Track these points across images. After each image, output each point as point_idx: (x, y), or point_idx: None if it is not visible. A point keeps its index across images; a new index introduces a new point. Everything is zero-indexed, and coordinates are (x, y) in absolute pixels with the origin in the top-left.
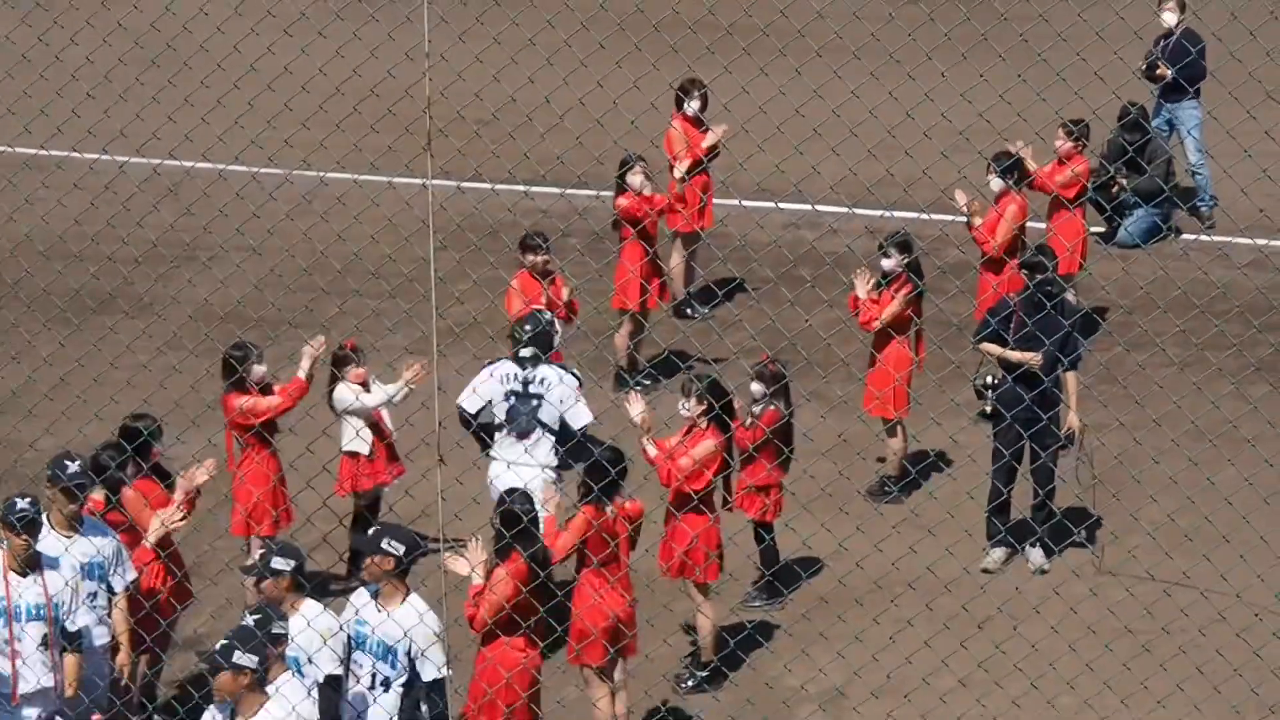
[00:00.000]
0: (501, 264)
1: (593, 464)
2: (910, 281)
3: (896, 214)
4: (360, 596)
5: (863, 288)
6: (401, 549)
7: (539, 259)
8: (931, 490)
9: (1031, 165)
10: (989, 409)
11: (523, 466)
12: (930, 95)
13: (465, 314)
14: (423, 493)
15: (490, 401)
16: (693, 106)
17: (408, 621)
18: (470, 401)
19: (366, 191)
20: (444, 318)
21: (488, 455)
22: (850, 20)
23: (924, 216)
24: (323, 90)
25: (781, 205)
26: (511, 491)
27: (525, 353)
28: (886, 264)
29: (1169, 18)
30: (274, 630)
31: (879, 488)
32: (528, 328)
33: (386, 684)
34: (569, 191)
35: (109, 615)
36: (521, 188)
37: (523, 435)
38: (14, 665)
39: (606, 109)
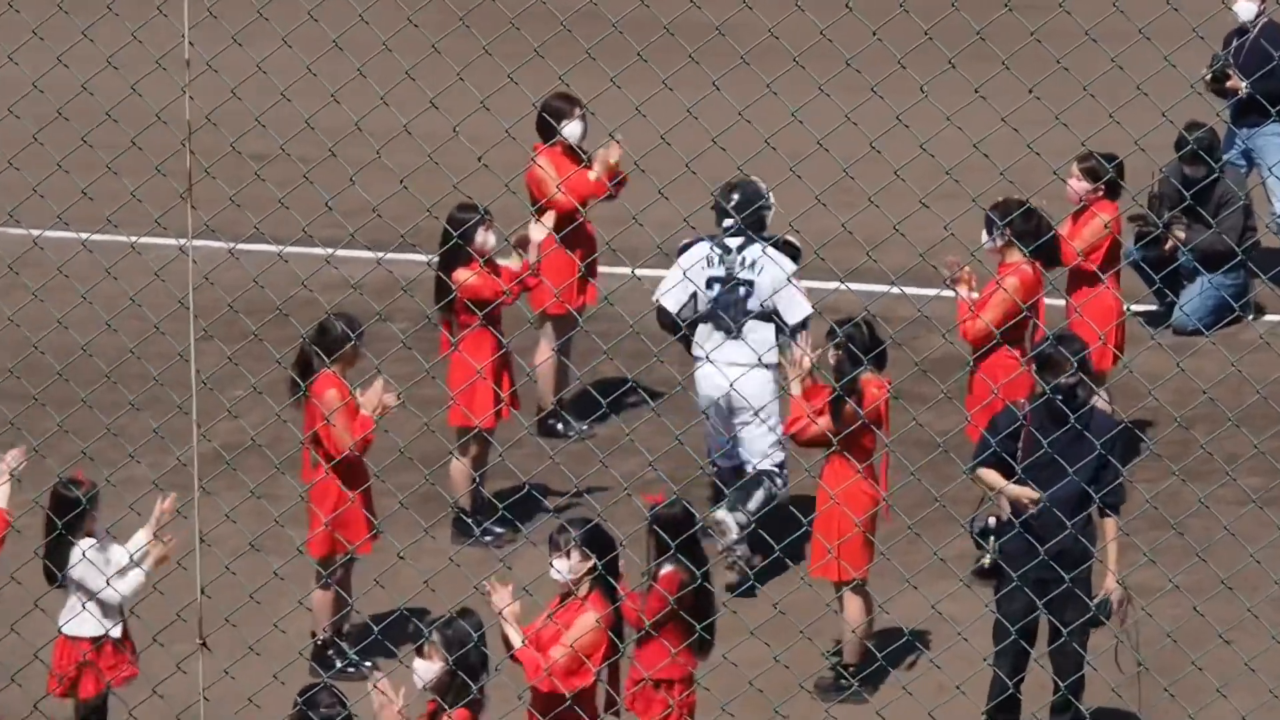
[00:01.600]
0: (293, 360)
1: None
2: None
3: (854, 286)
4: None
5: (797, 385)
6: None
7: (348, 351)
8: (906, 683)
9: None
10: (989, 563)
11: (735, 367)
12: (904, 118)
13: (238, 433)
14: (182, 690)
15: (694, 296)
16: (571, 132)
17: None
18: (671, 298)
19: (100, 256)
20: (208, 439)
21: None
22: (791, 10)
23: (894, 291)
24: (39, 112)
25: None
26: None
27: (730, 229)
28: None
29: (1244, 8)
30: None
31: (832, 681)
32: (734, 196)
33: None
34: (390, 256)
35: None
36: (321, 250)
37: (730, 331)
38: None
39: (444, 139)
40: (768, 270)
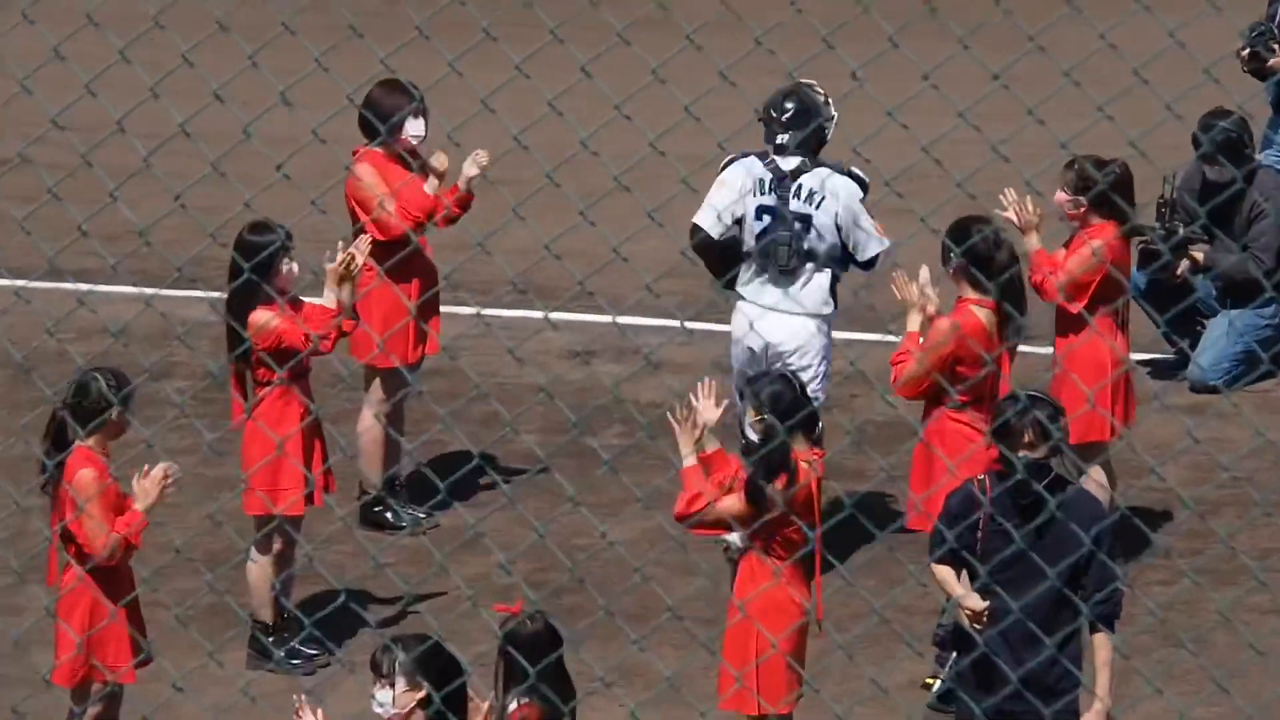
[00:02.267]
0: (37, 427)
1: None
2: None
3: None
4: None
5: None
6: None
7: (113, 415)
8: None
9: (1031, 241)
10: (939, 686)
11: (782, 314)
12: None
13: None
14: None
15: (739, 221)
16: (413, 131)
17: None
18: (710, 219)
19: None
20: None
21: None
22: None
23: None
24: None
25: (559, 315)
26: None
27: (785, 142)
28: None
29: None
30: None
31: None
32: (788, 106)
33: None
34: (162, 293)
35: None
36: (73, 286)
37: (783, 270)
38: None
39: (235, 141)
40: (829, 204)
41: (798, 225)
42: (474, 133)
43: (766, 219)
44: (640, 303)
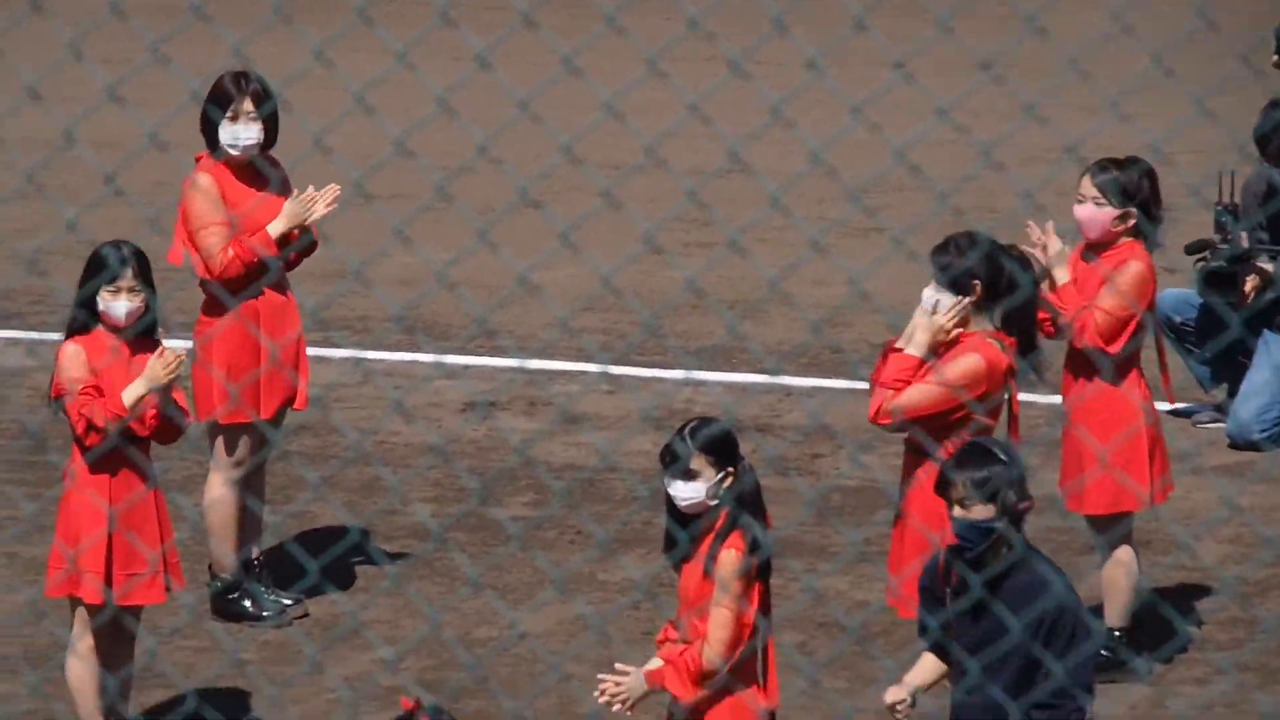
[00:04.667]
0: None
1: None
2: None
3: (711, 376)
4: None
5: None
6: None
7: None
8: None
9: (1059, 275)
10: None
11: None
12: (784, 108)
13: None
14: None
15: None
16: (230, 140)
17: None
18: None
19: None
20: None
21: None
22: None
23: (776, 382)
24: None
25: (453, 358)
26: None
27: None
28: (692, 488)
29: None
30: None
31: None
32: None
33: None
34: None
35: None
36: None
37: None
38: None
39: (52, 149)
40: None
41: None
42: (344, 137)
43: None
44: (552, 343)
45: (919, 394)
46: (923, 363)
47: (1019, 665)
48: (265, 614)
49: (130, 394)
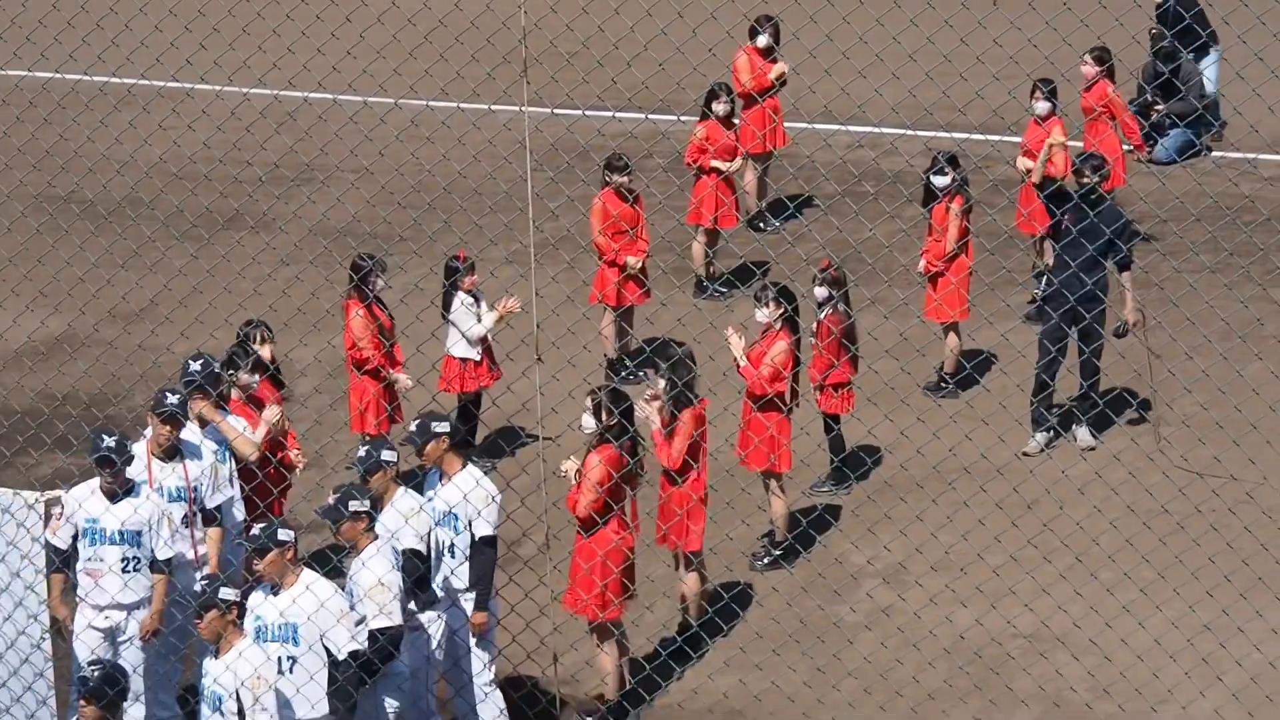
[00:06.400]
0: (591, 182)
1: (676, 363)
2: (963, 194)
3: (951, 135)
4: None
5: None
6: (367, 504)
7: (623, 178)
8: (985, 384)
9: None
10: (1037, 301)
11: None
12: (983, 23)
13: (559, 228)
14: (522, 389)
15: None
16: (763, 40)
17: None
18: None
19: (468, 116)
20: (540, 231)
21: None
22: None
23: (976, 136)
24: (427, 23)
25: (847, 126)
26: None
27: None
28: (940, 180)
29: None
30: (354, 506)
31: (936, 383)
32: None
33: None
34: (652, 116)
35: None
36: (609, 113)
37: None
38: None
39: (686, 38)
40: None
41: None
42: None
43: None
44: None
45: (1060, 152)
46: None
47: (1105, 250)
48: None
49: None
